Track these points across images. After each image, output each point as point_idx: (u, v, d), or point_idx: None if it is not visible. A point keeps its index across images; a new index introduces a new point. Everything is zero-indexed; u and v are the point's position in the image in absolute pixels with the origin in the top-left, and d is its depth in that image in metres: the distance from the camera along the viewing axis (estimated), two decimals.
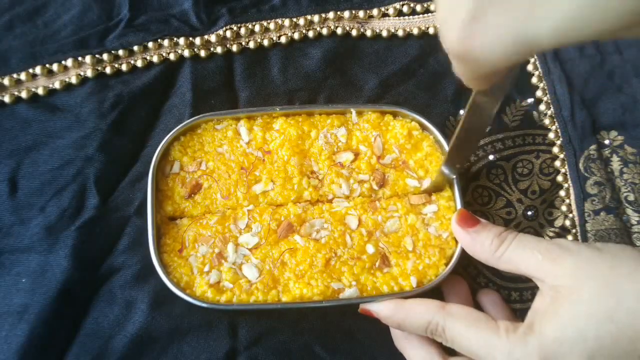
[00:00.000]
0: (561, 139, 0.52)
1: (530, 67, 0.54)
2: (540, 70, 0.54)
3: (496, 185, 0.52)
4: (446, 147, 0.48)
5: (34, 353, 0.45)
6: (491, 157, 0.52)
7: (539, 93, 0.53)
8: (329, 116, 0.50)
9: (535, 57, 0.54)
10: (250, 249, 0.46)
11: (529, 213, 0.51)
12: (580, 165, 0.51)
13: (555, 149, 0.52)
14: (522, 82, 0.54)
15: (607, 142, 0.52)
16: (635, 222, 0.50)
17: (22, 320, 0.45)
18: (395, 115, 0.50)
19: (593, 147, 0.52)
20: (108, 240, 0.48)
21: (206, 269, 0.45)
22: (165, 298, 0.46)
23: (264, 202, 0.48)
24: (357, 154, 0.49)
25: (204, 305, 0.44)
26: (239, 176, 0.48)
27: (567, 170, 0.51)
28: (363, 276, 0.46)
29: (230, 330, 0.47)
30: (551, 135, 0.52)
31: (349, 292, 0.45)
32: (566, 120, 0.52)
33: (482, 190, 0.51)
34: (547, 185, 0.51)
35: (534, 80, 0.54)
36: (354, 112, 0.50)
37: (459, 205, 0.47)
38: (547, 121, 0.53)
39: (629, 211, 0.50)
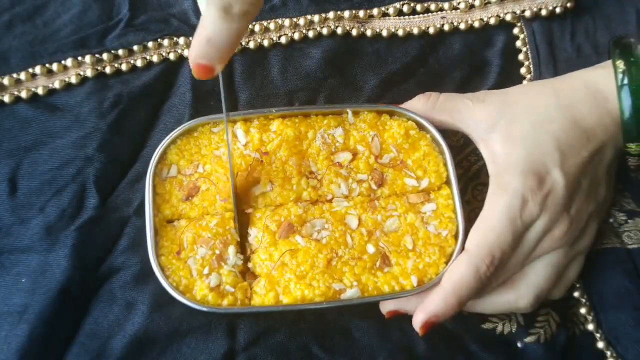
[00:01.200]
0: None
1: (523, 70, 0.54)
2: (532, 74, 0.54)
3: None
4: (444, 146, 0.49)
5: (34, 353, 0.45)
6: None
7: None
8: (325, 117, 0.50)
9: (530, 59, 0.54)
10: (253, 251, 0.46)
11: None
12: None
13: None
14: (517, 84, 0.54)
15: None
16: (623, 222, 0.50)
17: (22, 320, 0.45)
18: (392, 114, 0.50)
19: None
20: (108, 241, 0.48)
21: (205, 271, 0.45)
22: (165, 299, 0.46)
23: (262, 203, 0.48)
24: (355, 154, 0.49)
25: (205, 309, 0.44)
26: (236, 178, 0.48)
27: None
28: (364, 276, 0.45)
29: (228, 331, 0.46)
30: None
31: (351, 293, 0.45)
32: None
33: (482, 188, 0.51)
34: None
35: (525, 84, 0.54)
36: (350, 112, 0.50)
37: (457, 204, 0.47)
38: None
39: (614, 212, 0.51)
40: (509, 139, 0.45)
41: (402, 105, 0.50)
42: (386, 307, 0.47)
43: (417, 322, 0.44)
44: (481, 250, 0.43)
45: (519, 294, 0.45)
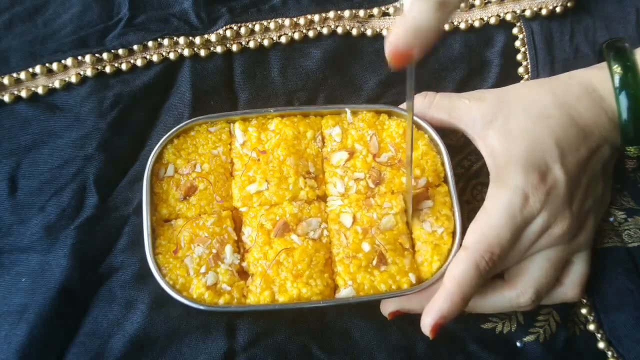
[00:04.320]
0: None
1: (521, 70, 0.54)
2: (530, 74, 0.54)
3: None
4: (441, 146, 0.49)
5: (33, 352, 0.45)
6: None
7: None
8: (324, 117, 0.50)
9: (528, 59, 0.54)
10: (247, 250, 0.47)
11: None
12: None
13: None
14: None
15: None
16: (623, 220, 0.50)
17: (22, 320, 0.45)
18: (390, 114, 0.50)
19: None
20: (107, 240, 0.49)
21: (202, 270, 0.45)
22: (164, 299, 0.46)
23: (257, 202, 0.48)
24: (352, 153, 0.49)
25: (202, 307, 0.44)
26: (233, 177, 0.48)
27: None
28: (360, 275, 0.45)
29: (228, 331, 0.46)
30: None
31: (345, 292, 0.45)
32: None
33: (482, 187, 0.51)
34: None
35: None
36: (348, 111, 0.50)
37: (454, 203, 0.47)
38: None
39: (614, 211, 0.51)
40: (507, 135, 0.45)
41: (400, 106, 0.50)
42: (387, 308, 0.47)
43: (426, 326, 0.43)
44: (480, 246, 0.43)
45: (519, 291, 0.45)
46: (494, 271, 0.44)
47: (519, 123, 0.45)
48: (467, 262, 0.43)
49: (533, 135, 0.45)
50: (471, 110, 0.47)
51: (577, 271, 0.47)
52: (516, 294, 0.45)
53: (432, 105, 0.48)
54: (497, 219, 0.43)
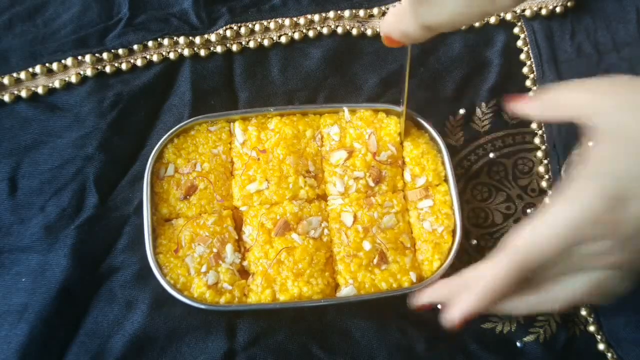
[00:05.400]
0: (546, 144, 0.52)
1: (525, 70, 0.54)
2: (535, 73, 0.54)
3: (496, 181, 0.52)
4: (441, 145, 0.49)
5: (33, 352, 0.45)
6: (491, 155, 0.52)
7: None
8: (322, 116, 0.50)
9: (532, 59, 0.54)
10: (247, 249, 0.47)
11: (529, 211, 0.51)
12: (562, 172, 0.51)
13: (539, 153, 0.52)
14: (520, 84, 0.54)
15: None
16: None
17: (22, 320, 0.45)
18: (388, 112, 0.50)
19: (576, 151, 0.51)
20: (107, 240, 0.49)
21: (203, 269, 0.45)
22: (165, 298, 0.46)
23: (258, 201, 0.48)
24: (351, 152, 0.49)
25: (203, 306, 0.44)
26: (233, 176, 0.49)
27: (551, 175, 0.51)
28: (360, 274, 0.45)
29: (228, 331, 0.46)
30: (536, 140, 0.52)
31: (346, 291, 0.45)
32: (552, 127, 0.52)
33: (482, 187, 0.51)
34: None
35: (528, 83, 0.54)
36: (346, 110, 0.50)
37: (454, 201, 0.47)
38: (534, 125, 0.53)
39: None
40: (616, 147, 0.38)
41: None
42: (419, 300, 0.44)
43: (454, 318, 0.41)
44: (528, 256, 0.39)
45: (555, 298, 0.42)
46: (533, 279, 0.41)
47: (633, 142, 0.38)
48: (510, 265, 0.40)
49: (631, 160, 0.38)
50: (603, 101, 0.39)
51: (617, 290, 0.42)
52: (551, 301, 0.42)
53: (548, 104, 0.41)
54: (553, 229, 0.39)
